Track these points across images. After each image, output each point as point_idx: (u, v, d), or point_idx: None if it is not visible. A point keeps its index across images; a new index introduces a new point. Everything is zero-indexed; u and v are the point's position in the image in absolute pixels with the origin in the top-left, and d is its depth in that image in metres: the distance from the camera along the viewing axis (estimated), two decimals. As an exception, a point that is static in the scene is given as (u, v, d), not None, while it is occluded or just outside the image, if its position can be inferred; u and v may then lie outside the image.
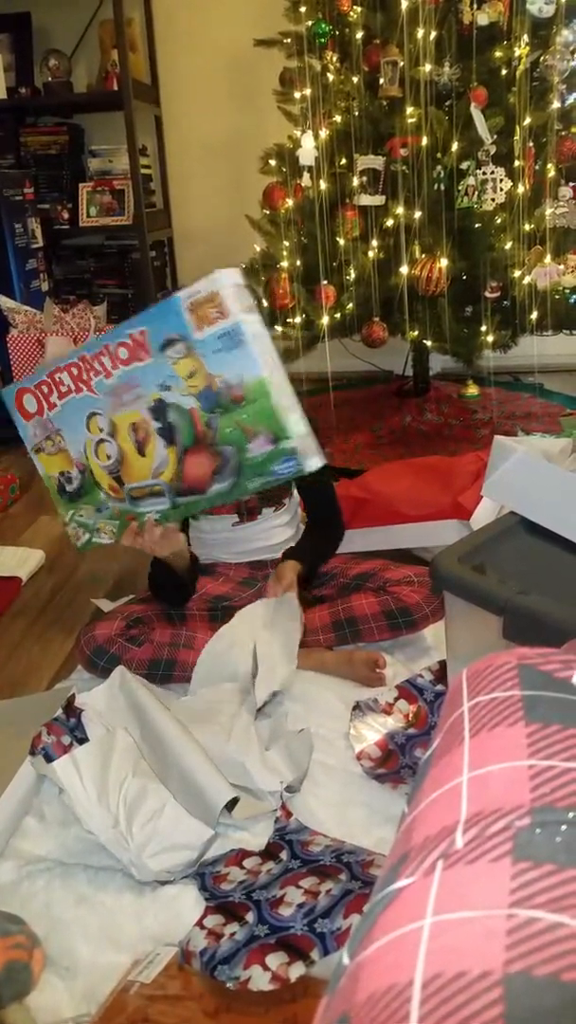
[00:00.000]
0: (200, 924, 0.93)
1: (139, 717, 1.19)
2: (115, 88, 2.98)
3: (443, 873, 0.26)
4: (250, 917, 0.92)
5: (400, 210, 2.33)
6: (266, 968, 0.85)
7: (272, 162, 2.64)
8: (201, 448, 1.13)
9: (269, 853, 1.04)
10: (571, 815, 0.27)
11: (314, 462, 1.10)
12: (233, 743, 1.17)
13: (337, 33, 2.49)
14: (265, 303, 2.58)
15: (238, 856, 1.04)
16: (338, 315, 2.44)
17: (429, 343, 2.42)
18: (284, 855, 1.03)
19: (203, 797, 1.05)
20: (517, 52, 2.31)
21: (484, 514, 1.63)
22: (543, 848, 0.26)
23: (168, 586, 1.43)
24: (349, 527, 1.69)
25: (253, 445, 1.09)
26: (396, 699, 1.28)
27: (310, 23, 2.48)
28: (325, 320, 2.43)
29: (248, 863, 1.03)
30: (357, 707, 1.27)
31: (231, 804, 1.07)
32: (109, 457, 1.21)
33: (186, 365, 1.09)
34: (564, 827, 0.26)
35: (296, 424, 1.08)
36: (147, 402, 1.14)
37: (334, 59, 2.50)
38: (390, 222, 2.36)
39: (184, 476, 1.16)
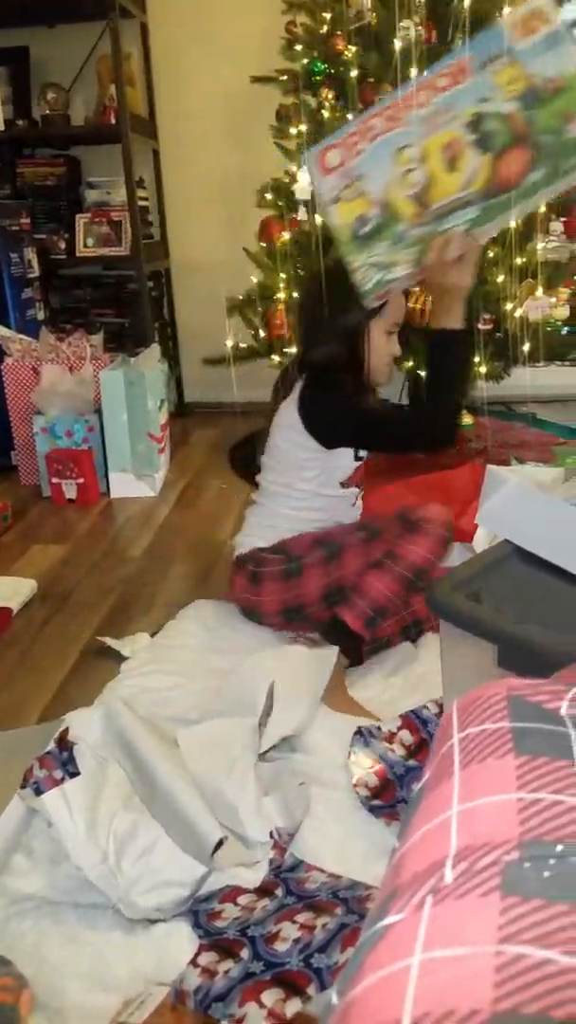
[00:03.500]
0: (194, 962, 0.91)
1: (130, 749, 1.17)
2: (112, 121, 3.03)
3: (432, 909, 0.26)
4: (245, 953, 0.91)
5: (394, 243, 2.36)
6: (262, 1005, 0.83)
7: (268, 196, 2.68)
8: (518, 145, 1.25)
9: (264, 890, 1.02)
10: (560, 848, 0.26)
11: None
12: (231, 783, 1.13)
13: (332, 71, 2.54)
14: (262, 333, 2.60)
15: (232, 893, 1.02)
16: (333, 345, 2.46)
17: (423, 373, 2.44)
18: (279, 892, 1.01)
19: (194, 834, 1.03)
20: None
21: (486, 537, 1.63)
22: (532, 883, 0.25)
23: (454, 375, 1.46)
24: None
25: (572, 126, 1.21)
26: (399, 728, 1.26)
27: (306, 61, 2.54)
28: (320, 350, 2.44)
29: (242, 900, 1.01)
30: (359, 732, 1.25)
31: (216, 846, 1.03)
32: (415, 185, 1.31)
33: (506, 74, 1.22)
34: (552, 861, 0.26)
35: None
36: (463, 119, 1.26)
37: (329, 96, 2.55)
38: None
39: (498, 176, 1.27)
